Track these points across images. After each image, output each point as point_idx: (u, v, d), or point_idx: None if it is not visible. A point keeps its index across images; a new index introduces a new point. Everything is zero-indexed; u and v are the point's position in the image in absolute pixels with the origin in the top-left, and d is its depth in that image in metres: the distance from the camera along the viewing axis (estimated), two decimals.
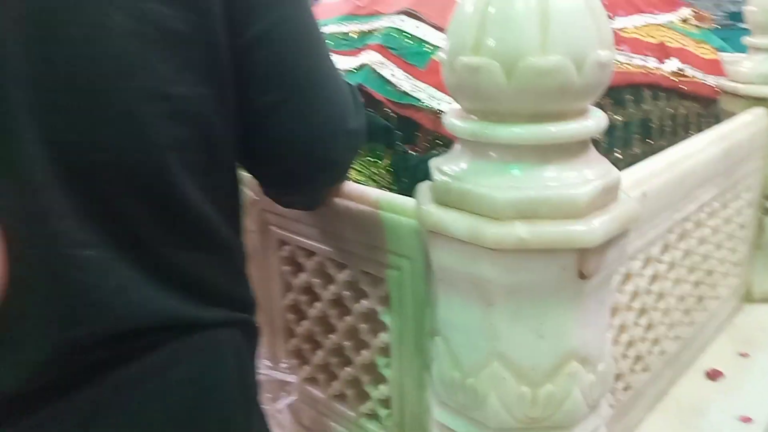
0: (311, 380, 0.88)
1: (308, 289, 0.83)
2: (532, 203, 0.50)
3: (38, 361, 0.45)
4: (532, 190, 0.50)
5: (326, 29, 1.13)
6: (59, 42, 0.42)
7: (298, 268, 0.83)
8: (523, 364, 0.55)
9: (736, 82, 1.14)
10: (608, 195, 0.53)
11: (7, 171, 0.42)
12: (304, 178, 0.62)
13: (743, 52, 1.63)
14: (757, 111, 1.09)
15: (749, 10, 1.13)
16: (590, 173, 0.52)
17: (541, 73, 0.47)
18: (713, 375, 0.99)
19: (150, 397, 0.48)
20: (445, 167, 0.55)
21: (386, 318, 0.73)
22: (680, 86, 1.37)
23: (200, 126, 0.49)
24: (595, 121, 0.52)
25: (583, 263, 0.51)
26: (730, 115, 1.15)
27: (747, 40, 1.15)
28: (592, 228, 0.49)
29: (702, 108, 1.43)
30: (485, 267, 0.52)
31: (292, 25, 0.53)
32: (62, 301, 0.45)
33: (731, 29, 3.10)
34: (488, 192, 0.50)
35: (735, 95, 1.14)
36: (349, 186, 0.74)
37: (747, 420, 0.89)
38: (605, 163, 0.54)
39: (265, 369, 0.89)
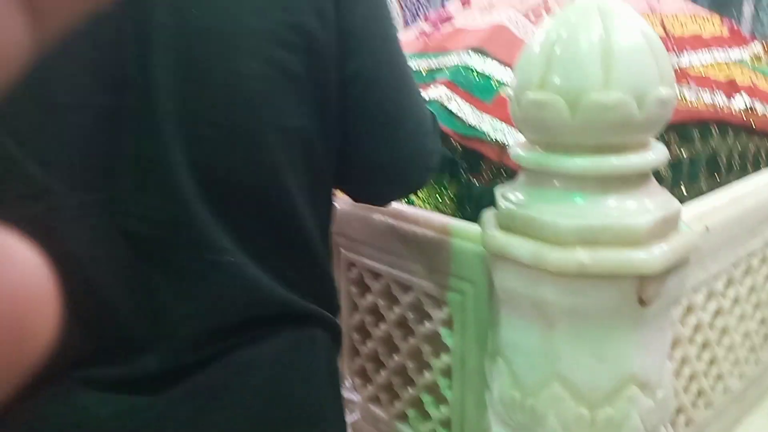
0: (374, 399, 0.91)
1: (374, 310, 0.87)
2: (594, 230, 0.52)
3: (181, 348, 0.53)
4: (593, 218, 0.52)
5: None
6: (203, 86, 0.51)
7: (365, 289, 0.87)
8: (582, 386, 0.56)
9: None
10: (668, 225, 0.55)
11: (162, 189, 0.51)
12: (387, 195, 0.72)
13: None
14: None
15: None
16: (650, 203, 0.54)
17: (603, 108, 0.50)
18: None
19: (264, 380, 0.55)
20: (510, 195, 0.59)
21: (448, 340, 0.76)
22: (750, 123, 1.36)
23: (308, 151, 0.57)
24: (656, 154, 0.54)
25: (642, 290, 0.53)
26: None
27: None
28: (652, 255, 0.51)
29: None
30: (547, 290, 0.54)
31: (386, 62, 0.60)
32: (205, 297, 0.53)
33: None
34: (551, 219, 0.53)
35: None
36: (416, 212, 0.79)
37: None
38: (666, 195, 0.57)
39: None
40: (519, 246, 0.55)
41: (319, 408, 0.59)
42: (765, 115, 1.41)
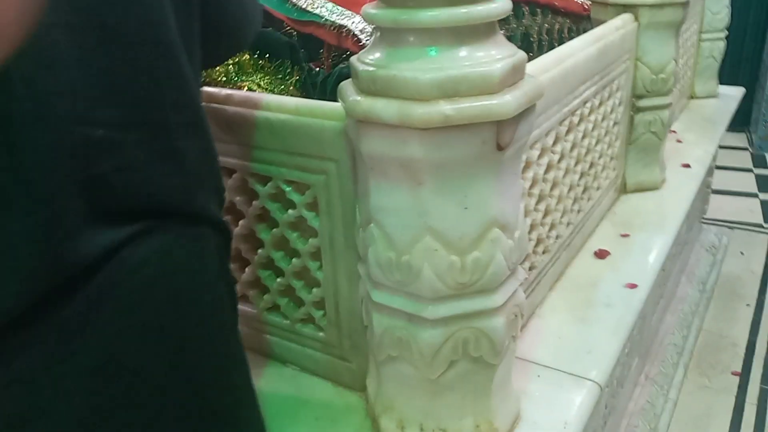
0: (241, 298, 0.90)
1: (230, 209, 0.85)
2: (453, 82, 0.54)
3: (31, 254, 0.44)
4: (451, 69, 0.54)
5: None
6: None
7: None
8: (451, 235, 0.60)
9: None
10: (517, 73, 0.58)
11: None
12: (226, 54, 0.73)
13: None
14: (625, 16, 1.19)
15: None
16: (500, 53, 0.57)
17: None
18: (601, 254, 1.12)
19: (151, 280, 0.50)
20: (368, 58, 0.58)
21: (315, 222, 0.76)
22: (554, 2, 1.47)
23: None
24: (501, 3, 0.57)
25: (500, 135, 0.57)
26: (599, 23, 1.26)
27: None
28: (506, 101, 0.55)
29: (573, 23, 1.54)
30: (414, 147, 0.56)
31: None
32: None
33: None
34: (412, 75, 0.54)
35: (604, 4, 1.25)
36: (266, 97, 0.76)
37: (633, 286, 1.02)
38: (511, 45, 0.60)
39: None
40: (384, 107, 0.55)
41: (212, 303, 0.56)
42: None
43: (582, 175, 1.07)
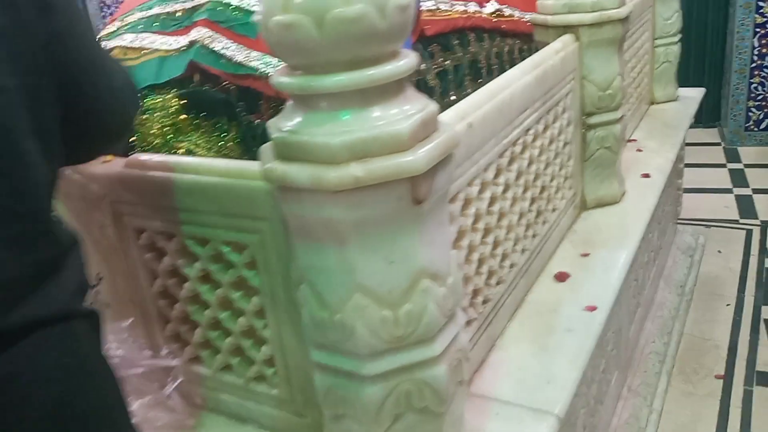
0: (195, 360, 0.89)
1: (174, 272, 0.84)
2: (364, 143, 0.54)
3: None
4: (361, 131, 0.54)
5: (150, 12, 1.11)
6: None
7: (160, 252, 0.83)
8: (380, 290, 0.60)
9: (545, 14, 1.26)
10: (429, 126, 0.58)
11: None
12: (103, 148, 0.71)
13: None
14: (565, 38, 1.21)
15: None
16: (410, 108, 0.57)
17: (348, 21, 0.51)
18: (561, 277, 1.12)
19: (26, 386, 0.49)
20: (281, 124, 0.58)
21: (255, 281, 0.76)
22: (501, 26, 1.49)
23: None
24: (406, 61, 0.57)
25: (415, 190, 0.57)
26: (544, 45, 1.27)
27: None
28: (418, 157, 0.55)
29: (523, 43, 1.56)
30: (331, 209, 0.56)
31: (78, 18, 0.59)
32: None
33: None
34: (323, 139, 0.54)
35: (545, 26, 1.26)
36: (195, 161, 0.76)
37: (592, 308, 1.02)
38: (422, 99, 0.60)
39: (147, 360, 0.89)
40: (297, 172, 0.55)
41: (103, 406, 0.56)
42: (512, 17, 1.55)
43: (533, 200, 1.07)
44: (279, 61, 0.98)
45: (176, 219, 0.78)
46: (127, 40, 1.10)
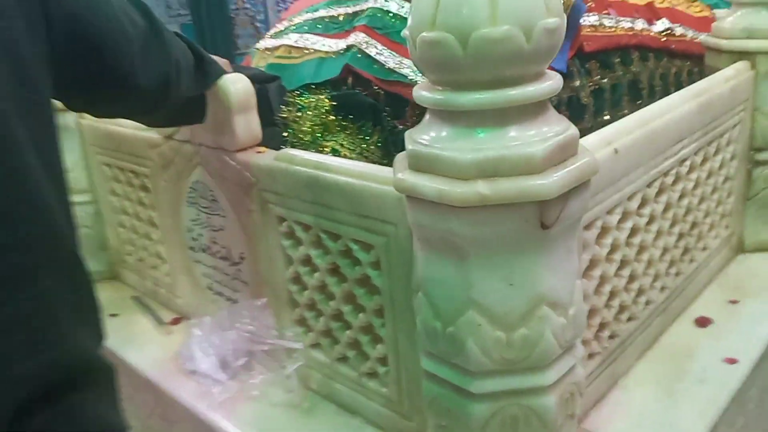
0: (316, 345, 0.94)
1: (308, 261, 0.89)
2: (493, 162, 0.54)
3: None
4: (492, 149, 0.54)
5: (316, 14, 1.17)
6: None
7: (297, 241, 0.89)
8: (496, 310, 0.60)
9: (719, 37, 1.17)
10: (566, 150, 0.57)
11: None
12: None
13: None
14: (739, 66, 1.11)
15: None
16: (549, 131, 0.56)
17: (492, 42, 0.52)
18: (702, 322, 1.03)
19: None
20: (417, 136, 0.60)
21: (378, 281, 0.78)
22: (670, 46, 1.40)
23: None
24: (550, 84, 0.56)
25: (543, 214, 0.56)
26: (714, 70, 1.18)
27: None
28: (549, 181, 0.54)
29: (694, 65, 1.45)
30: (454, 224, 0.56)
31: None
32: None
33: None
34: (451, 155, 0.55)
35: (718, 50, 1.17)
36: (336, 161, 0.80)
37: (732, 361, 0.93)
38: (564, 121, 0.59)
39: (272, 338, 0.96)
40: (424, 184, 0.57)
41: None
42: (684, 37, 1.45)
43: (681, 236, 1.00)
44: None
45: (314, 212, 0.83)
46: (293, 39, 1.18)
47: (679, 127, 0.91)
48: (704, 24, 1.40)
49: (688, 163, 0.97)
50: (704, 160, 1.03)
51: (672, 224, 0.97)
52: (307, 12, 1.20)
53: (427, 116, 0.61)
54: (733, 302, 1.08)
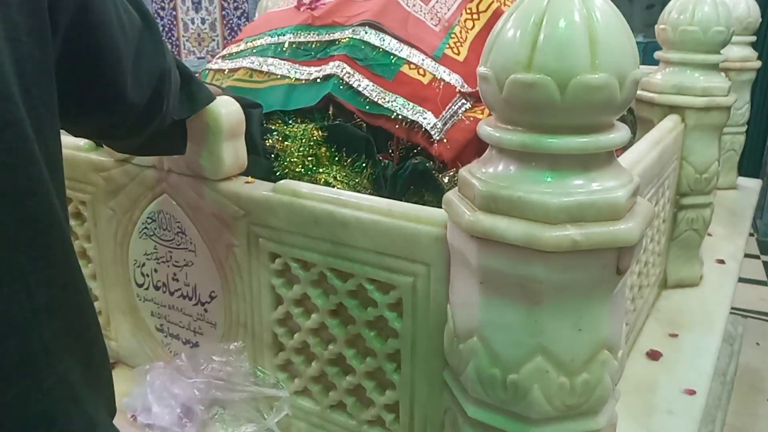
0: (302, 392, 0.87)
1: (302, 301, 0.83)
2: (581, 207, 0.54)
3: None
4: (580, 195, 0.54)
5: (282, 38, 1.12)
6: None
7: (292, 280, 0.82)
8: (563, 356, 0.59)
9: (651, 92, 1.28)
10: (634, 198, 0.59)
11: None
12: None
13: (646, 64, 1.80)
14: (674, 118, 1.22)
15: (661, 28, 1.27)
16: (622, 178, 0.57)
17: (591, 89, 0.52)
18: (654, 355, 1.10)
19: None
20: (485, 176, 0.58)
21: (397, 324, 0.75)
22: None
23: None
24: (624, 132, 0.58)
25: (621, 260, 0.56)
26: (646, 121, 1.29)
27: (659, 54, 1.29)
28: (631, 227, 0.55)
29: None
30: (538, 268, 0.55)
31: None
32: None
33: None
34: (540, 198, 0.54)
35: (651, 104, 1.28)
36: (357, 196, 0.76)
37: (692, 392, 1.00)
38: (627, 170, 0.60)
39: (251, 386, 0.88)
40: (507, 227, 0.55)
41: None
42: None
43: (639, 274, 1.07)
44: (414, 106, 0.99)
45: (321, 249, 0.77)
46: (255, 62, 1.11)
47: (650, 174, 0.98)
48: None
49: None
50: (655, 204, 1.11)
51: (636, 263, 1.03)
52: (268, 35, 1.14)
53: (493, 154, 0.60)
54: (673, 335, 1.17)
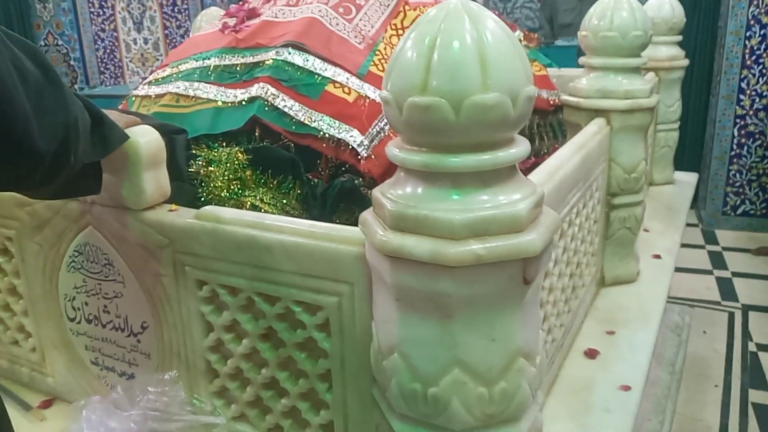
0: (239, 418, 0.87)
1: (232, 327, 0.83)
2: (483, 222, 0.56)
3: None
4: (482, 210, 0.56)
5: (207, 62, 1.12)
6: None
7: (221, 306, 0.82)
8: (479, 367, 0.60)
9: (578, 96, 1.31)
10: (537, 209, 0.60)
11: None
12: None
13: (569, 66, 1.86)
14: (599, 121, 1.26)
15: (582, 34, 1.31)
16: (524, 191, 0.59)
17: (484, 108, 0.54)
18: (591, 354, 1.13)
19: None
20: (394, 196, 0.59)
21: (326, 344, 0.75)
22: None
23: None
24: (524, 147, 0.59)
25: (527, 270, 0.58)
26: (574, 125, 1.33)
27: (583, 60, 1.33)
28: (534, 239, 0.57)
29: (540, 119, 1.61)
30: (446, 283, 0.57)
31: None
32: None
33: (553, 47, 3.50)
34: (445, 216, 0.55)
35: (577, 108, 1.31)
36: (279, 220, 0.76)
37: (627, 388, 1.03)
38: (530, 182, 0.62)
39: (188, 415, 0.87)
40: (415, 245, 0.56)
41: None
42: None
43: (571, 275, 1.10)
44: (340, 125, 1.00)
45: (247, 274, 0.77)
46: (181, 87, 1.11)
47: (573, 178, 1.01)
48: (544, 82, 1.57)
49: (575, 210, 1.08)
50: (584, 206, 1.14)
51: (567, 265, 1.06)
52: (194, 59, 1.14)
53: (401, 175, 0.61)
54: (610, 333, 1.20)
